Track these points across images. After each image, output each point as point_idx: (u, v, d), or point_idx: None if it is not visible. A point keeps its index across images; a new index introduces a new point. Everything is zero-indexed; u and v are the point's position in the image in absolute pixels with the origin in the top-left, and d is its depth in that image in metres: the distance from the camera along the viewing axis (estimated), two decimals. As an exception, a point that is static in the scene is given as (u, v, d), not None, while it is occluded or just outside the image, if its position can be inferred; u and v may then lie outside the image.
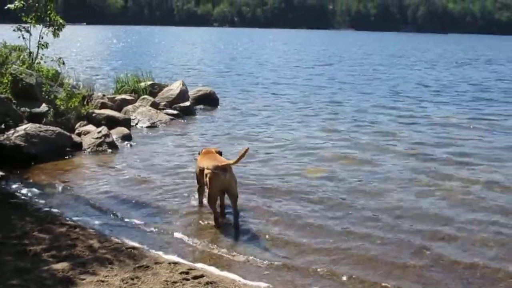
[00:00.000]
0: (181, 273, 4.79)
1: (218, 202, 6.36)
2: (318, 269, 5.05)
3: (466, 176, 8.17)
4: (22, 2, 10.87)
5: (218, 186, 6.12)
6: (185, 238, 5.82)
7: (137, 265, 4.90)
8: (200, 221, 6.32)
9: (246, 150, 6.06)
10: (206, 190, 6.41)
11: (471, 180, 7.96)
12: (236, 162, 6.13)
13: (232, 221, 6.23)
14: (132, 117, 12.15)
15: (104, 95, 13.35)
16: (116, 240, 5.61)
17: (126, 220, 6.32)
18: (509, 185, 7.70)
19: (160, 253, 5.37)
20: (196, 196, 6.90)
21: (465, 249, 5.57)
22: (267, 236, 5.87)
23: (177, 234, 5.91)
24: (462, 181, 7.91)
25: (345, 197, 7.11)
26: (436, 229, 6.07)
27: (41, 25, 11.60)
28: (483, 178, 8.05)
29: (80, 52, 36.30)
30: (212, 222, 6.18)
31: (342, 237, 5.83)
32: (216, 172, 6.04)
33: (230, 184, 6.14)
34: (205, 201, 6.61)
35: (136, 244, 5.52)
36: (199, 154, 6.90)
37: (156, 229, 6.04)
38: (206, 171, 6.13)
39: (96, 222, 6.22)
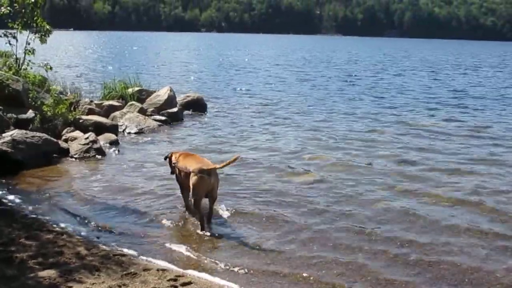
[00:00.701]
0: (169, 280, 4.78)
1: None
2: (308, 277, 5.05)
3: (447, 191, 7.80)
4: (8, 8, 10.80)
5: (205, 189, 6.14)
6: (173, 244, 5.80)
7: (125, 272, 4.88)
8: (188, 227, 6.33)
9: (235, 158, 6.11)
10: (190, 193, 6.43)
11: (452, 193, 7.72)
12: (222, 167, 6.16)
13: (218, 226, 6.30)
14: (119, 123, 12.11)
15: (91, 101, 13.30)
16: (104, 247, 5.58)
17: (113, 226, 6.28)
18: (492, 206, 7.23)
19: (149, 260, 5.35)
20: (182, 206, 6.87)
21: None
22: (256, 243, 5.86)
23: (165, 241, 5.89)
24: (442, 194, 7.66)
25: (326, 211, 6.91)
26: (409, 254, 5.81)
27: (28, 31, 11.54)
28: (464, 193, 7.78)
29: (67, 58, 36.09)
30: (199, 228, 6.17)
31: (330, 247, 5.82)
32: (202, 175, 6.06)
33: (214, 188, 6.23)
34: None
35: (124, 251, 5.50)
36: (165, 159, 7.00)
37: (144, 236, 6.02)
38: (191, 174, 6.14)
39: (84, 229, 6.19)
